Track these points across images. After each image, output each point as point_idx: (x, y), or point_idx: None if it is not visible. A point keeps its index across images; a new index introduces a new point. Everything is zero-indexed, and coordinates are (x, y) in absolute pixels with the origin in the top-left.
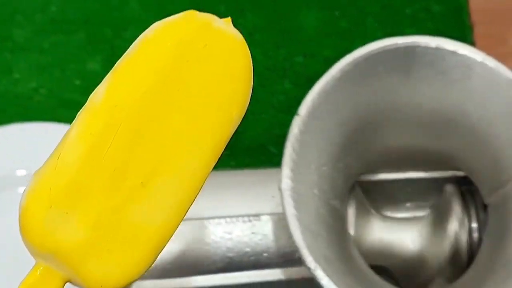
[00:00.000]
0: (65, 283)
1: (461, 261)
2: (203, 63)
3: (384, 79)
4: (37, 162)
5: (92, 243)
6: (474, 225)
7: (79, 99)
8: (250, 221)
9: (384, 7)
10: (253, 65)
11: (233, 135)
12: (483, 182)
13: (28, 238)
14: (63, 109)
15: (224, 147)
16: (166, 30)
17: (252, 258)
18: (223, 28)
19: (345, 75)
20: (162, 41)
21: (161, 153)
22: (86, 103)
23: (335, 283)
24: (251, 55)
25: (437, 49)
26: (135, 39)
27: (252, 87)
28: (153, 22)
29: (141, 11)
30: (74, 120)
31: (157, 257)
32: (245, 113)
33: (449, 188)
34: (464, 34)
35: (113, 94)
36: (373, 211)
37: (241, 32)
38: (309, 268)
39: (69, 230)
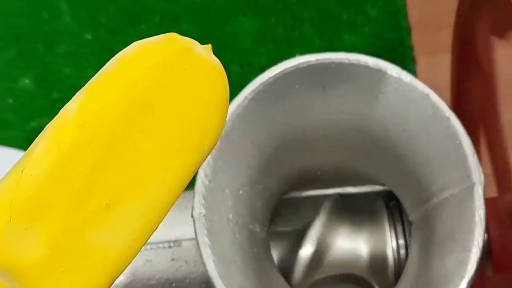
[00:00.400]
0: None
1: (388, 277)
2: (181, 88)
3: (301, 97)
4: None
5: (48, 262)
6: (401, 241)
7: (12, 118)
8: (170, 247)
9: (320, 12)
10: None
11: None
12: (406, 199)
13: None
14: None
15: (193, 176)
16: (145, 50)
17: (173, 285)
18: (204, 54)
19: (258, 95)
20: (140, 62)
21: (130, 177)
22: (56, 117)
23: None
24: None
25: (352, 65)
26: (69, 54)
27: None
28: (86, 36)
29: (74, 24)
30: (42, 133)
31: (113, 282)
32: None
33: (376, 204)
34: (402, 37)
35: (85, 111)
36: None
37: None
38: None
39: (26, 246)
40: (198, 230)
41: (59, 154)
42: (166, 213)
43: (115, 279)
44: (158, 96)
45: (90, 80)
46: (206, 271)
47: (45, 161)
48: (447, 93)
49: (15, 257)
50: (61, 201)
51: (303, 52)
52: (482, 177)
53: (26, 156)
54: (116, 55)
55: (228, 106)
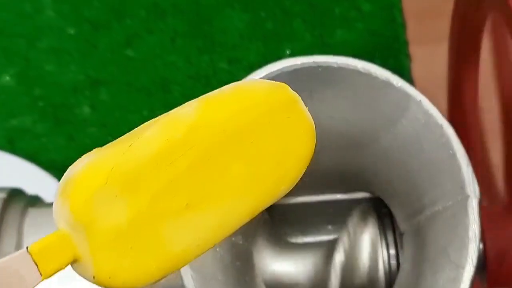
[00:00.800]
0: (73, 260)
1: None
2: (280, 132)
3: None
4: None
5: (123, 234)
6: (392, 251)
7: None
8: None
9: (312, 6)
10: (174, 74)
11: None
12: (397, 210)
13: (69, 202)
14: None
15: (258, 212)
16: (261, 88)
17: None
18: (305, 110)
19: None
20: (255, 96)
21: (214, 188)
22: (173, 111)
23: None
24: (172, 62)
25: (340, 69)
26: (51, 50)
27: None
28: (69, 31)
29: (58, 18)
30: (155, 120)
31: (164, 277)
32: None
33: (365, 211)
34: (396, 33)
35: (199, 118)
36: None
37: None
38: None
39: (110, 212)
40: None
41: (166, 144)
42: (227, 235)
43: (167, 275)
44: (261, 130)
45: (210, 93)
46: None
47: (152, 145)
48: (444, 82)
49: (96, 218)
50: (154, 185)
51: (293, 48)
52: (477, 190)
53: (135, 134)
54: (235, 83)
55: (309, 161)
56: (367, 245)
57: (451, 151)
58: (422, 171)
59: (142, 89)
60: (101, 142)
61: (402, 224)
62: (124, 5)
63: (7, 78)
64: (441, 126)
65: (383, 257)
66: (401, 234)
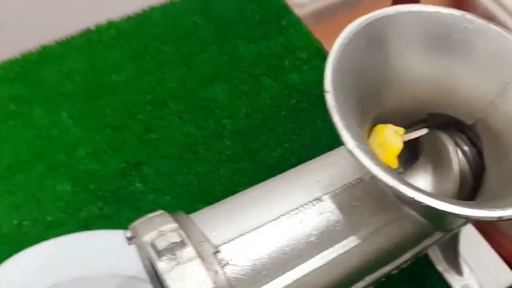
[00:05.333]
0: None
1: (467, 190)
2: None
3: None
4: None
5: None
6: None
7: (65, 217)
8: (314, 205)
9: None
10: (193, 138)
11: None
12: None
13: None
14: None
15: None
16: None
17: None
18: None
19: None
20: None
21: None
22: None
23: None
24: (187, 131)
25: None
26: (89, 155)
27: None
28: (95, 136)
29: (82, 131)
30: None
31: None
32: None
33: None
34: None
35: None
36: None
37: None
38: None
39: None
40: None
41: None
42: None
43: None
44: None
45: None
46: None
47: None
48: None
49: None
50: None
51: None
52: None
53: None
54: None
55: None
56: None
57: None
58: None
59: (174, 156)
60: (161, 203)
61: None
62: (131, 106)
63: (67, 186)
64: None
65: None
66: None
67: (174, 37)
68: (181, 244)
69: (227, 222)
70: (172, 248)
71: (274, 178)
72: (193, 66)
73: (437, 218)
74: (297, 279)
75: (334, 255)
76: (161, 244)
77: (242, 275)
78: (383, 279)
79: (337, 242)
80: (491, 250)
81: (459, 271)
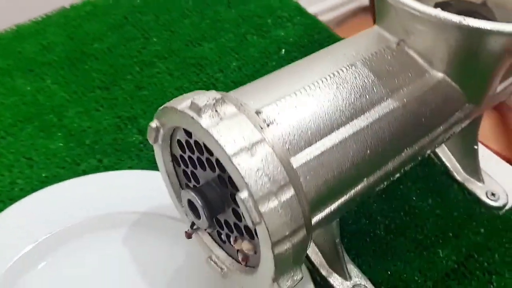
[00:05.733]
0: None
1: None
2: None
3: None
4: None
5: None
6: None
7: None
8: (348, 70)
9: None
10: (186, 92)
11: None
12: None
13: None
14: None
15: None
16: None
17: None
18: None
19: None
20: None
21: None
22: None
23: None
24: (180, 86)
25: None
26: (80, 113)
27: None
28: (82, 95)
29: (71, 95)
30: None
31: None
32: None
33: None
34: None
35: None
36: None
37: None
38: None
39: None
40: None
41: None
42: None
43: None
44: None
45: None
46: None
47: None
48: None
49: None
50: None
51: None
52: None
53: None
54: None
55: None
56: None
57: None
58: None
59: None
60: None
61: None
62: (118, 68)
63: (60, 144)
64: None
65: None
66: None
67: (153, 8)
68: (222, 101)
69: (263, 91)
70: (214, 105)
71: (299, 61)
72: (176, 31)
73: (467, 79)
74: (344, 139)
75: (375, 116)
76: (201, 101)
77: (289, 133)
78: (417, 162)
79: (377, 104)
80: (504, 163)
81: (479, 179)
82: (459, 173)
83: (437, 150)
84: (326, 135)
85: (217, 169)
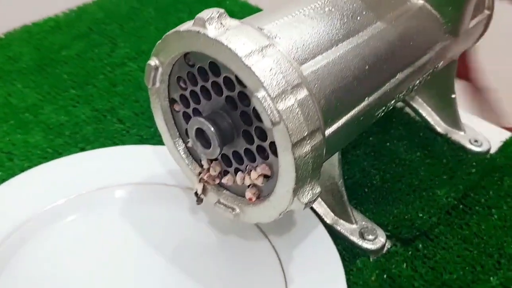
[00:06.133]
0: None
1: None
2: None
3: None
4: None
5: None
6: None
7: None
8: None
9: None
10: None
11: None
12: None
13: None
14: None
15: None
16: None
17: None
18: None
19: None
20: None
21: None
22: None
23: None
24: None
25: None
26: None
27: None
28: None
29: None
30: None
31: None
32: None
33: None
34: None
35: None
36: None
37: None
38: None
39: None
40: None
41: None
42: None
43: None
44: None
45: None
46: None
47: None
48: None
49: None
50: None
51: None
52: None
53: None
54: None
55: None
56: None
57: None
58: None
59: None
60: (148, 134)
61: None
62: (89, 70)
63: (38, 137)
64: None
65: None
66: None
67: (116, 19)
68: (225, 16)
69: (261, 15)
70: (218, 17)
71: None
72: (143, 36)
73: (444, 5)
74: (344, 53)
75: (369, 34)
76: (205, 14)
77: (292, 46)
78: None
79: (368, 26)
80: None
81: (460, 128)
82: (440, 126)
83: (416, 106)
84: (327, 50)
85: (224, 90)
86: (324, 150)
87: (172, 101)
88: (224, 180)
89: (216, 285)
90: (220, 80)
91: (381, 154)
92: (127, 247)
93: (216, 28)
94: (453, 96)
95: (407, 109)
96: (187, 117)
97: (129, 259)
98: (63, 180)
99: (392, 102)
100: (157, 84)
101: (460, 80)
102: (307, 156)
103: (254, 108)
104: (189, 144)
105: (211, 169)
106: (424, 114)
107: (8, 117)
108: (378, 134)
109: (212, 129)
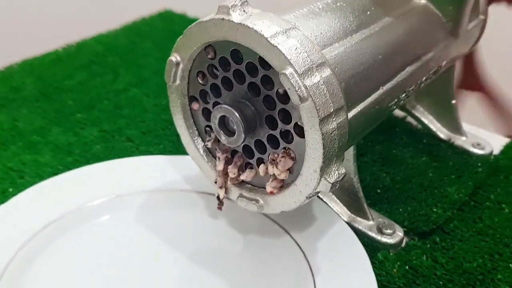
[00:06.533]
0: None
1: None
2: None
3: None
4: None
5: None
6: None
7: None
8: None
9: None
10: None
11: None
12: None
13: None
14: None
15: None
16: None
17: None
18: None
19: None
20: None
21: None
22: None
23: None
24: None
25: None
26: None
27: None
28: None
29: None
30: None
31: None
32: None
33: None
34: None
35: None
36: None
37: None
38: None
39: None
40: None
41: None
42: None
43: None
44: None
45: None
46: None
47: None
48: None
49: None
50: None
51: None
52: None
53: None
54: None
55: None
56: None
57: None
58: None
59: (155, 118)
60: (157, 149)
61: None
62: (93, 97)
63: (48, 156)
64: None
65: None
66: None
67: (116, 52)
68: (247, 3)
69: (276, 12)
70: (241, 5)
71: None
72: (143, 65)
73: (445, 4)
74: (359, 41)
75: (380, 26)
76: (228, 2)
77: (310, 34)
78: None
79: (377, 20)
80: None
81: (462, 133)
82: (443, 132)
83: (418, 114)
84: (343, 39)
85: (247, 76)
86: (348, 131)
87: (190, 99)
88: (243, 177)
89: (240, 282)
90: (243, 66)
91: (388, 160)
92: (150, 249)
93: (240, 15)
94: (453, 102)
95: (409, 119)
96: (206, 113)
97: (156, 263)
98: (85, 187)
99: (403, 95)
100: (177, 81)
101: (473, 91)
102: (334, 133)
103: (277, 90)
104: (208, 145)
105: (229, 172)
106: (426, 121)
107: (16, 139)
108: (384, 143)
109: (237, 114)
